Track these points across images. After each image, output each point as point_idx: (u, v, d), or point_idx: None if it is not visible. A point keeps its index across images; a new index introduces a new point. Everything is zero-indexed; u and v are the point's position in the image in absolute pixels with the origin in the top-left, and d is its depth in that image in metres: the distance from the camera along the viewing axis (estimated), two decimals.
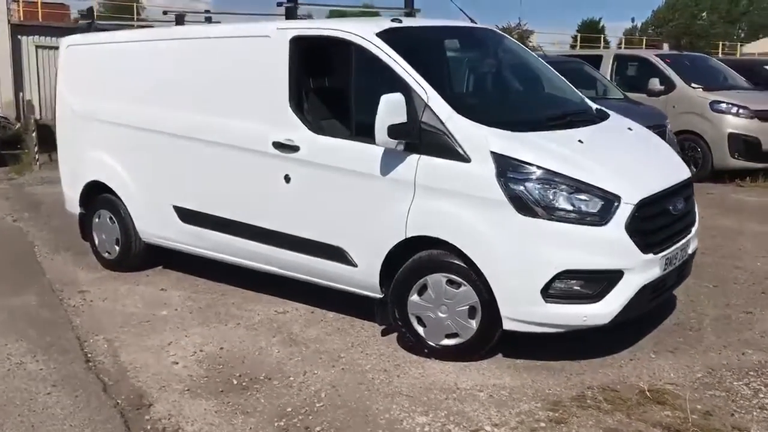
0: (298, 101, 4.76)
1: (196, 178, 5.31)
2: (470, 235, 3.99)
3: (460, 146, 4.01)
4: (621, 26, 49.36)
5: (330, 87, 5.16)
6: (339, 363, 4.24)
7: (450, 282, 4.12)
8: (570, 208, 3.84)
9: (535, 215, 3.84)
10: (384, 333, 4.64)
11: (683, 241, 4.35)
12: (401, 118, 4.03)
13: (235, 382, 4.04)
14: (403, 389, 3.89)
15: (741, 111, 9.99)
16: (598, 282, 3.88)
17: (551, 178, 3.87)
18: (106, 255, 6.23)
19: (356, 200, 4.41)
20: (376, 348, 4.43)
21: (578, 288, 3.87)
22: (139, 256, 6.08)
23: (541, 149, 4.02)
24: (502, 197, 3.88)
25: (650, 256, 3.96)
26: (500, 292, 3.92)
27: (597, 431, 3.40)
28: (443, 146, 4.06)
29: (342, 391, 3.90)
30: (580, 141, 4.22)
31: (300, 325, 4.84)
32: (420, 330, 4.26)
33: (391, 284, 4.33)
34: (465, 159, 3.99)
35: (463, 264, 4.05)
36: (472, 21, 5.42)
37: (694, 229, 4.53)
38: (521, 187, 3.87)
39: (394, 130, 4.02)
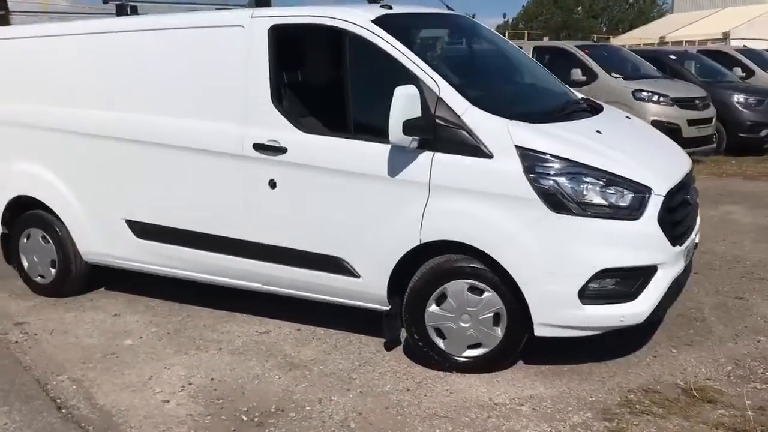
0: (282, 97, 4.28)
1: (157, 188, 4.69)
2: (498, 237, 3.69)
3: (480, 141, 3.69)
4: (494, 22, 50.96)
5: (318, 80, 4.69)
6: (353, 386, 3.82)
7: (471, 288, 3.81)
8: (603, 202, 3.62)
9: (569, 212, 3.59)
10: (388, 348, 4.26)
11: (695, 231, 4.26)
12: (416, 112, 3.67)
13: (245, 418, 3.54)
14: (437, 410, 3.54)
15: (662, 99, 10.35)
16: (634, 279, 3.69)
17: (583, 171, 3.63)
18: (39, 279, 5.43)
19: (359, 205, 4.00)
20: (387, 365, 4.05)
21: (614, 287, 3.66)
22: (81, 278, 5.34)
23: (567, 141, 3.78)
24: (532, 195, 3.61)
25: (678, 248, 3.82)
26: (533, 297, 3.65)
27: None
28: (460, 142, 3.73)
29: (372, 418, 3.49)
30: (598, 131, 4.02)
31: (291, 345, 4.38)
32: (440, 342, 3.92)
33: (403, 295, 3.97)
34: (486, 155, 3.69)
35: (486, 269, 3.75)
36: (449, 8, 5.12)
37: (698, 219, 4.46)
38: (553, 183, 3.60)
39: (409, 126, 3.65)
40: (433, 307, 3.88)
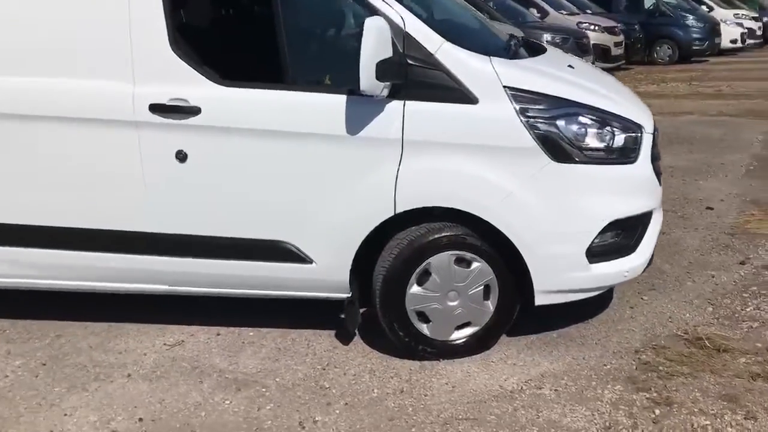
0: (186, 40, 3.26)
1: (7, 176, 3.43)
2: (493, 197, 3.09)
3: (462, 84, 3.04)
4: None
5: (236, 15, 3.67)
6: (332, 397, 3.07)
7: (458, 261, 3.21)
8: (601, 145, 3.16)
9: (571, 160, 3.09)
10: (344, 341, 3.54)
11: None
12: (388, 51, 2.92)
13: None
14: (452, 411, 2.92)
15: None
16: (635, 229, 3.31)
17: (581, 111, 3.13)
18: None
19: (306, 174, 3.17)
20: (357, 364, 3.32)
21: (618, 240, 3.25)
22: None
23: (556, 78, 3.26)
24: (530, 143, 3.05)
25: (660, 189, 3.52)
26: (536, 262, 3.13)
27: (717, 402, 2.88)
28: (437, 86, 3.05)
29: None
30: (570, 66, 3.56)
31: (222, 356, 3.47)
32: (423, 328, 3.27)
33: (366, 277, 3.26)
34: (470, 100, 3.05)
35: (475, 235, 3.16)
36: None
37: None
38: (552, 128, 3.07)
39: (383, 69, 2.89)
40: (414, 288, 3.21)
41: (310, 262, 3.26)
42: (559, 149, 3.06)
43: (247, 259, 3.31)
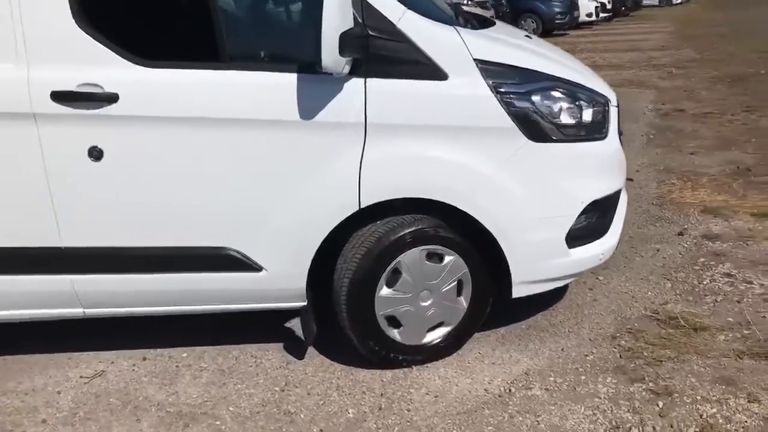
0: (93, 13, 2.67)
1: None
2: (468, 183, 2.76)
3: (429, 58, 2.67)
4: None
5: None
6: (302, 425, 2.64)
7: (429, 255, 2.87)
8: (574, 121, 2.92)
9: (548, 138, 2.82)
10: (298, 355, 3.12)
11: None
12: (350, 21, 2.51)
13: None
14: (440, 425, 2.59)
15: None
16: (608, 209, 3.11)
17: (553, 85, 2.87)
18: None
19: (253, 168, 2.69)
20: (320, 381, 2.91)
21: (594, 221, 3.02)
22: None
23: (523, 50, 2.97)
24: (506, 121, 2.75)
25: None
26: (515, 252, 2.85)
27: (715, 386, 2.75)
28: (401, 60, 2.66)
29: None
30: (528, 36, 3.28)
31: (155, 386, 2.94)
32: (394, 334, 2.93)
33: (338, 282, 2.85)
34: (438, 75, 2.69)
35: (447, 227, 2.84)
36: None
37: None
38: (528, 104, 2.78)
39: (347, 41, 2.47)
40: (384, 291, 2.84)
41: (259, 269, 2.81)
42: (535, 127, 2.79)
43: (182, 271, 2.80)
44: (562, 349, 3.07)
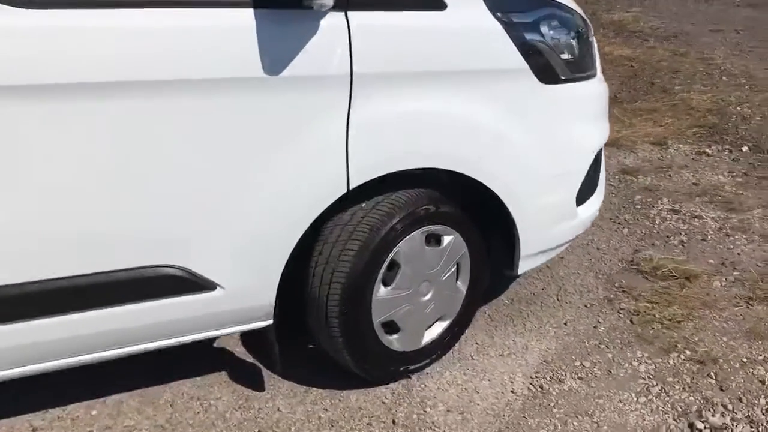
0: None
1: None
2: (478, 142, 2.14)
3: None
4: None
5: None
6: None
7: (428, 238, 2.26)
8: (571, 56, 2.42)
9: (556, 79, 2.29)
10: (259, 387, 2.37)
11: None
12: None
13: None
14: None
15: None
16: (599, 158, 2.69)
17: (554, 11, 2.31)
18: None
19: (193, 152, 1.82)
20: (310, 417, 2.19)
21: (592, 174, 2.57)
22: None
23: None
24: (518, 61, 2.16)
25: None
26: (526, 219, 2.28)
27: (752, 343, 2.46)
28: None
29: None
30: None
31: None
32: (393, 342, 2.28)
33: (322, 290, 2.13)
34: (435, 3, 2.04)
35: (448, 201, 2.24)
36: None
37: None
38: (538, 36, 2.22)
39: None
40: (381, 291, 2.18)
41: (212, 288, 1.99)
42: (545, 66, 2.23)
43: (101, 305, 1.91)
44: (565, 323, 2.65)
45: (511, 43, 2.13)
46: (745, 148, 4.21)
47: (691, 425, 2.12)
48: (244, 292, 2.03)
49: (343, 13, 1.88)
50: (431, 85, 2.05)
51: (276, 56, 1.80)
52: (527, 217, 2.31)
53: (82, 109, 1.64)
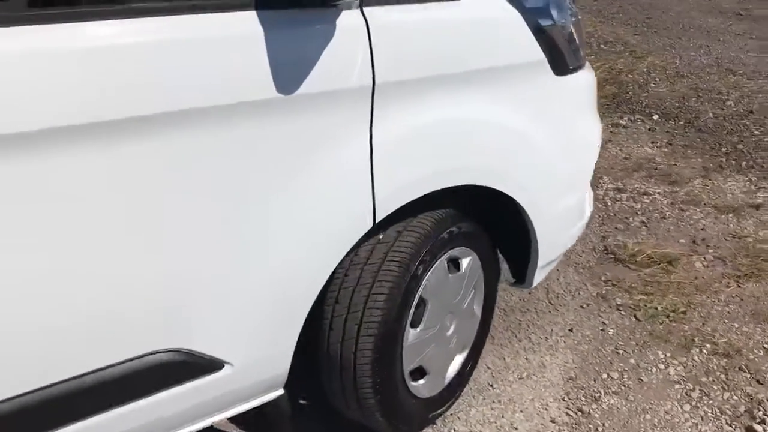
0: None
1: None
2: (509, 152, 1.87)
3: None
4: None
5: None
6: None
7: (448, 264, 1.94)
8: (575, 42, 2.15)
9: (566, 70, 2.04)
10: None
11: None
12: None
13: None
14: None
15: None
16: None
17: None
18: None
19: (188, 206, 1.33)
20: None
21: None
22: None
23: None
24: (536, 52, 1.88)
25: None
26: (545, 228, 2.00)
27: (760, 327, 2.38)
28: None
29: None
30: None
31: None
32: (420, 389, 1.94)
33: (343, 347, 1.74)
34: None
35: (466, 219, 1.93)
36: None
37: None
38: (550, 22, 1.95)
39: None
40: (411, 335, 1.84)
41: (220, 366, 1.56)
42: (559, 55, 1.99)
43: (84, 416, 1.42)
44: (570, 330, 2.45)
45: (530, 32, 1.85)
46: (655, 117, 4.26)
47: (748, 428, 2.00)
48: (255, 366, 1.62)
49: (359, 10, 1.50)
50: (455, 89, 1.73)
51: (290, 69, 1.40)
52: (545, 224, 2.06)
53: (43, 167, 1.16)
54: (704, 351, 2.30)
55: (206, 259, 1.40)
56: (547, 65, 1.93)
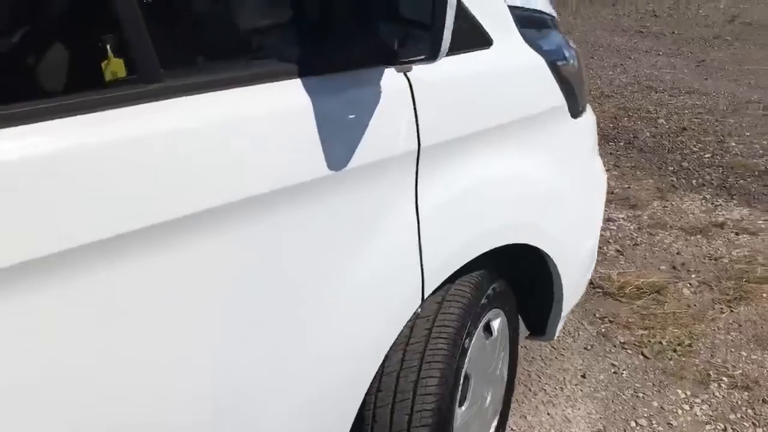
0: None
1: None
2: (539, 205, 1.74)
3: (467, 12, 1.50)
4: None
5: None
6: None
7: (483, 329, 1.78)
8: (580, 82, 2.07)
9: (578, 111, 1.93)
10: None
11: None
12: None
13: None
14: None
15: None
16: None
17: (556, 29, 1.95)
18: None
19: (229, 303, 1.14)
20: None
21: None
22: None
23: None
24: (558, 96, 1.77)
25: None
26: (570, 276, 1.89)
27: (764, 354, 2.38)
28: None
29: None
30: None
31: None
32: None
33: None
34: (483, 38, 1.54)
35: (500, 278, 1.78)
36: None
37: None
38: (565, 63, 1.83)
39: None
40: (458, 417, 1.66)
41: None
42: (573, 97, 1.89)
43: None
44: (583, 376, 2.34)
45: (552, 75, 1.75)
46: None
47: None
48: None
49: (401, 70, 1.35)
50: (492, 143, 1.59)
51: (344, 141, 1.23)
52: (570, 271, 1.95)
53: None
54: (723, 385, 2.25)
55: (260, 357, 1.20)
56: (566, 108, 1.82)
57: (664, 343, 2.46)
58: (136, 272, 0.95)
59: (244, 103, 1.07)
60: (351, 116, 1.24)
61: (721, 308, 2.64)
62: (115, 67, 1.00)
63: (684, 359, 2.37)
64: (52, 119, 0.87)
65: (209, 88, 1.05)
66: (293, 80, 1.16)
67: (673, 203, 3.47)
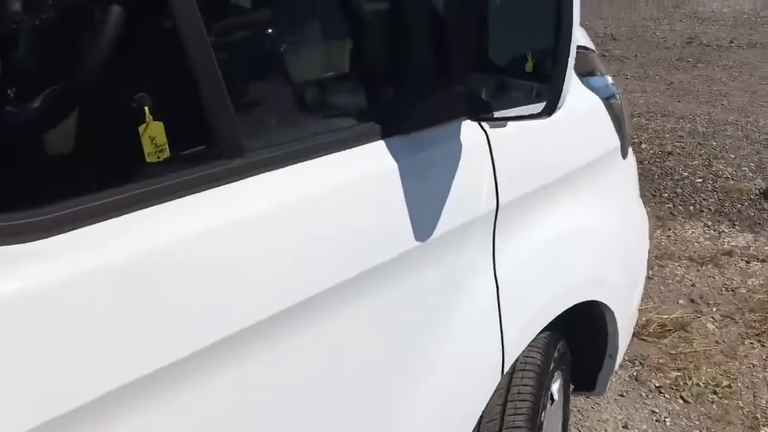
0: None
1: None
2: (606, 255, 1.61)
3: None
4: None
5: None
6: None
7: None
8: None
9: (626, 150, 1.81)
10: None
11: None
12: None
13: None
14: None
15: None
16: None
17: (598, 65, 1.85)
18: None
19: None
20: None
21: None
22: None
23: None
24: (614, 138, 1.66)
25: None
26: (623, 327, 1.80)
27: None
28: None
29: None
30: None
31: None
32: None
33: None
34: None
35: (563, 337, 1.64)
36: None
37: None
38: (615, 100, 1.72)
39: None
40: None
41: None
42: (623, 136, 1.78)
43: None
44: (625, 427, 2.21)
45: (608, 115, 1.63)
46: None
47: None
48: None
49: (478, 122, 1.21)
50: (560, 194, 1.46)
51: (431, 204, 1.09)
52: (625, 323, 1.83)
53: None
54: None
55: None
56: (619, 149, 1.71)
57: (701, 384, 2.35)
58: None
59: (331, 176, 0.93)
60: (434, 176, 1.10)
61: (752, 343, 2.55)
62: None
63: (726, 402, 2.27)
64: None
65: (289, 161, 0.90)
66: (377, 142, 1.02)
67: (676, 231, 3.41)
